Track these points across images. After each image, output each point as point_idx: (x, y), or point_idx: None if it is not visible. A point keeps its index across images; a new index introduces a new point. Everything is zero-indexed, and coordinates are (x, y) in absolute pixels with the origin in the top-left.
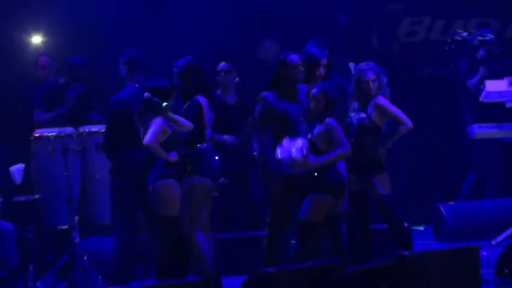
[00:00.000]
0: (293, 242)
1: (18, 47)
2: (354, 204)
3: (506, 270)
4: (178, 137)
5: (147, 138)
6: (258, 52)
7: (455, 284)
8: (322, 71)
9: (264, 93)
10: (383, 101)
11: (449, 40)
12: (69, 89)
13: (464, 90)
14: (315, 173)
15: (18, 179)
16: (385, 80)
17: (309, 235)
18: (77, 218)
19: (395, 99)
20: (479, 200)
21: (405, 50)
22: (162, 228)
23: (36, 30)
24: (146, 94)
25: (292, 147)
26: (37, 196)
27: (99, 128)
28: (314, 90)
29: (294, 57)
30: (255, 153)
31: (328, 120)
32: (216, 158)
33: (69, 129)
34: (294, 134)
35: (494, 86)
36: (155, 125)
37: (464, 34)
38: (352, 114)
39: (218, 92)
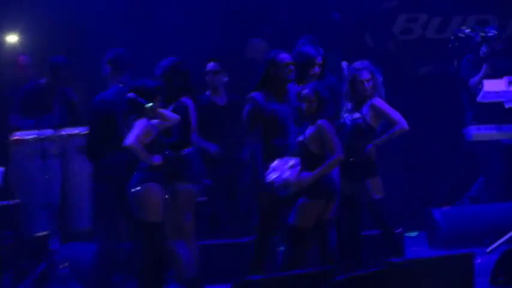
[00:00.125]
0: (281, 248)
1: None
2: (344, 208)
3: (501, 278)
4: (164, 141)
5: (128, 139)
6: (247, 51)
7: None
8: (317, 70)
9: (253, 94)
10: (380, 102)
11: (452, 37)
12: (54, 93)
13: (466, 89)
14: None
15: None
16: (381, 79)
17: (298, 241)
18: (56, 223)
19: (390, 98)
20: (475, 204)
21: (400, 48)
22: (143, 235)
23: (14, 27)
24: (130, 94)
25: (285, 168)
26: (17, 201)
27: (80, 130)
28: (306, 91)
29: (284, 56)
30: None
31: (319, 121)
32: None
33: (49, 132)
34: (283, 136)
35: (492, 85)
36: (138, 126)
37: (467, 31)
38: (345, 115)
39: (207, 93)
